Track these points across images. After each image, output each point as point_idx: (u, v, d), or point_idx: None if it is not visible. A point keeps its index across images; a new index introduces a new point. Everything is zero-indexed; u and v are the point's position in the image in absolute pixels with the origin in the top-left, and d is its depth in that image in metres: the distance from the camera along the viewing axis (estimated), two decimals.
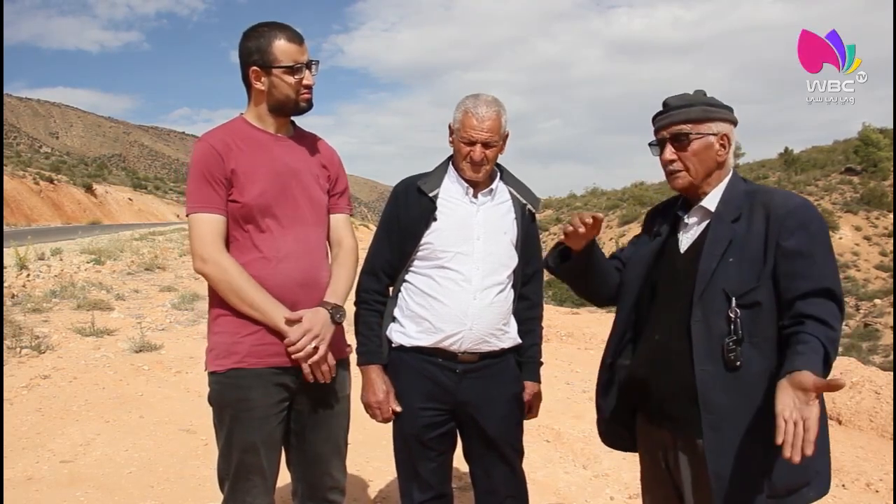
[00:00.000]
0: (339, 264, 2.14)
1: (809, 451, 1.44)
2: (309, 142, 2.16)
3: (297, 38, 2.00)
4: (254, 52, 1.98)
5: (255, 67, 1.99)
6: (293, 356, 1.95)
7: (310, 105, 2.07)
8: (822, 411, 1.65)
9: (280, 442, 2.07)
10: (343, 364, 2.14)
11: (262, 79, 2.00)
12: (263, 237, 1.99)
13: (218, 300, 1.99)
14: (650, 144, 1.93)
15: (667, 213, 2.02)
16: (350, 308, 2.45)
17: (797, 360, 1.52)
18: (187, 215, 1.99)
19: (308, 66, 2.02)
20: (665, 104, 1.88)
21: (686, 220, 1.92)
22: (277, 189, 2.01)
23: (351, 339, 2.26)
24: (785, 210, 1.73)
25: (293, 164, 2.06)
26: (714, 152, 1.83)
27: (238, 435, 1.97)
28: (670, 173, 1.88)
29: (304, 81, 2.02)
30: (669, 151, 1.85)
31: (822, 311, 1.63)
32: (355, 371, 2.24)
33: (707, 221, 1.85)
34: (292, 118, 2.13)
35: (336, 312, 2.03)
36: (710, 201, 1.86)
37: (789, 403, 1.47)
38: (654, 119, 1.91)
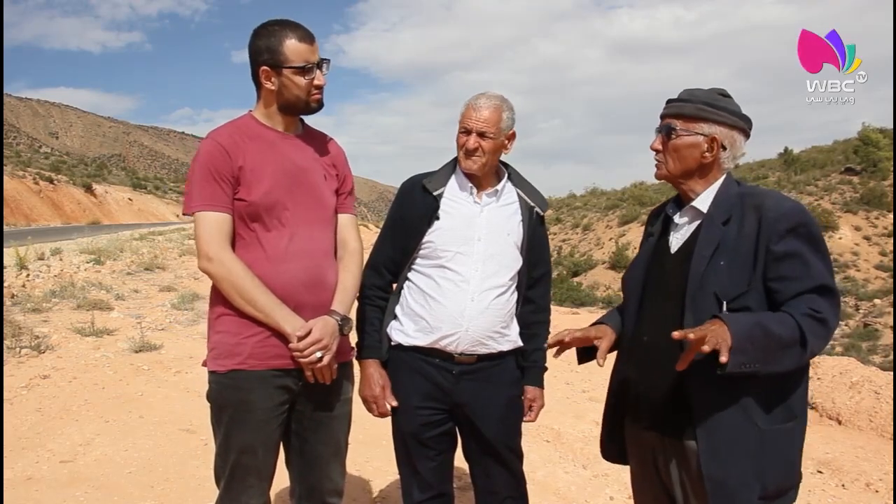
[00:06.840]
0: (345, 269, 2.09)
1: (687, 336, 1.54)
2: (318, 140, 2.12)
3: (308, 38, 1.95)
4: (264, 52, 1.93)
5: (265, 67, 1.94)
6: (297, 360, 1.92)
7: (320, 105, 2.02)
8: (800, 422, 1.75)
9: (278, 443, 2.05)
10: (346, 368, 2.11)
11: (273, 79, 1.95)
12: (270, 236, 1.95)
13: (221, 299, 1.95)
14: (656, 129, 1.93)
15: (661, 214, 2.01)
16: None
17: (736, 314, 1.63)
18: (189, 213, 1.93)
19: (319, 65, 1.97)
20: (679, 94, 1.88)
21: (676, 220, 1.90)
22: (285, 188, 1.97)
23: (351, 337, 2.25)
24: (776, 214, 1.70)
25: (301, 163, 2.02)
26: (698, 152, 1.81)
27: (236, 436, 1.95)
28: (655, 160, 1.90)
29: (315, 82, 1.97)
30: (657, 140, 1.87)
31: (809, 303, 1.64)
32: (358, 374, 2.22)
33: (698, 222, 1.84)
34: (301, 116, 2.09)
35: (345, 324, 2.00)
36: (702, 202, 1.83)
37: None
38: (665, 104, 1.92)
